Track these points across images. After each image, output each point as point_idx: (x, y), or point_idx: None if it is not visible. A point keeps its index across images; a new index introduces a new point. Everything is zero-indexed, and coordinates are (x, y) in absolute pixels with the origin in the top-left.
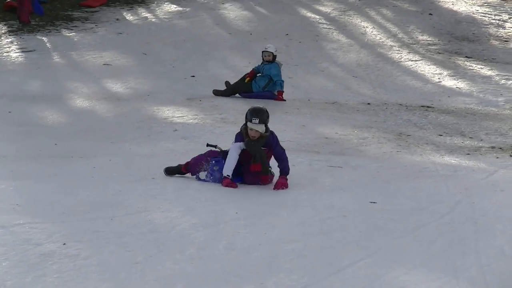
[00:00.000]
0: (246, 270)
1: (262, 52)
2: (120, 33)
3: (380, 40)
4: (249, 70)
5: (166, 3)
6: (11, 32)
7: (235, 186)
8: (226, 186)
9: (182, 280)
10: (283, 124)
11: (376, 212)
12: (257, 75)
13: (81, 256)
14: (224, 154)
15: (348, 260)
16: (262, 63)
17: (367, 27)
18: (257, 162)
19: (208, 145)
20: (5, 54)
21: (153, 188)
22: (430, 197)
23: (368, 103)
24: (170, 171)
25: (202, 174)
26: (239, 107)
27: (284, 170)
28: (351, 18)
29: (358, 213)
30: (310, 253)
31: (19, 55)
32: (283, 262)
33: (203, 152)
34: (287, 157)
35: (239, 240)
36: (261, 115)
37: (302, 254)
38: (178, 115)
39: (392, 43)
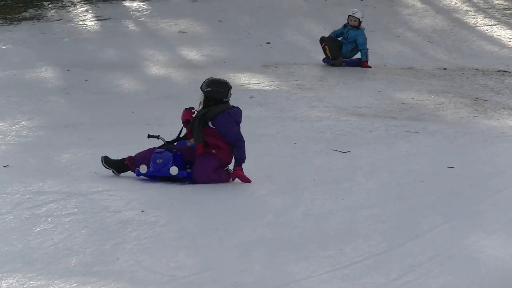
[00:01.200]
0: (325, 236)
1: (349, 16)
2: (195, 0)
3: (456, 5)
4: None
5: None
6: (86, 0)
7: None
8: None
9: (261, 246)
10: (359, 90)
11: (454, 177)
12: (338, 38)
13: (160, 223)
14: (168, 144)
15: (427, 225)
16: (346, 27)
17: None
18: (236, 167)
19: (149, 136)
20: (80, 22)
21: None
22: (508, 162)
23: (444, 68)
24: (112, 165)
25: (143, 168)
26: (315, 73)
27: (238, 158)
28: None
29: (436, 178)
30: (388, 218)
31: (95, 24)
32: (361, 228)
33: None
34: (243, 143)
35: (317, 206)
36: (205, 82)
37: (380, 219)
38: (254, 82)
39: (467, 8)
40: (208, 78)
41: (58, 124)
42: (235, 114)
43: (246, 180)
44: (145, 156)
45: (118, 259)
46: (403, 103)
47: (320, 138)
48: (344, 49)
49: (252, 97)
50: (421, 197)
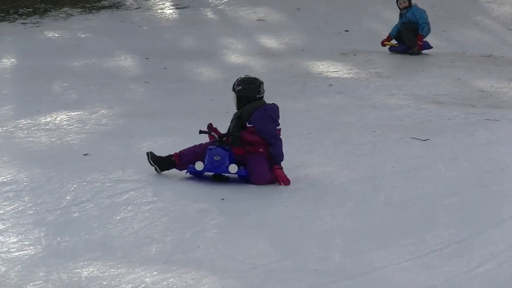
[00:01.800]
0: (405, 224)
1: (397, 1)
2: None
3: None
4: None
5: None
6: None
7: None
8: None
9: (341, 235)
10: (438, 78)
11: None
12: (401, 26)
13: (240, 212)
14: (220, 141)
15: (507, 213)
16: (401, 15)
17: None
18: (276, 166)
19: (201, 131)
20: (159, 11)
21: (309, 143)
22: None
23: None
24: (157, 161)
25: (199, 165)
26: (394, 61)
27: (275, 155)
28: None
29: None
30: (469, 206)
31: (173, 12)
32: (441, 216)
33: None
34: (278, 141)
35: (397, 194)
36: (237, 80)
37: (460, 207)
38: (333, 70)
39: None
40: (237, 78)
41: (137, 112)
42: (271, 110)
43: (285, 180)
44: (195, 153)
45: (198, 247)
46: (482, 91)
47: (399, 126)
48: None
49: (331, 85)
50: (501, 185)
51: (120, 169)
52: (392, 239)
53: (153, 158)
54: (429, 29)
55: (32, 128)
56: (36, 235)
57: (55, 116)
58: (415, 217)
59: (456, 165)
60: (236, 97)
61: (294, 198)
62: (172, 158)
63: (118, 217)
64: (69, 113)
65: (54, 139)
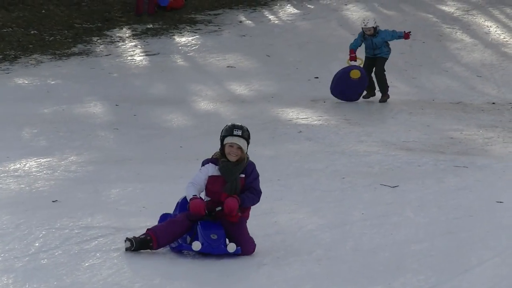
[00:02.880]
0: (374, 271)
1: (362, 28)
2: (243, 36)
3: (504, 40)
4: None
5: (288, 5)
6: (135, 36)
7: (203, 211)
8: (194, 209)
9: (310, 281)
10: (407, 125)
11: (503, 212)
12: (367, 50)
13: (208, 258)
14: (209, 215)
15: (476, 260)
16: (365, 37)
17: (491, 27)
18: (232, 195)
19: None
20: (129, 57)
21: (278, 189)
22: None
23: (493, 103)
24: (134, 244)
25: (196, 245)
26: (364, 108)
27: (245, 199)
28: (474, 17)
29: (484, 213)
30: (437, 253)
31: (143, 59)
32: (410, 262)
33: (170, 212)
34: (260, 192)
35: (366, 240)
36: (242, 127)
37: (429, 254)
38: (303, 117)
39: None
40: (236, 124)
41: (107, 159)
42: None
43: (236, 215)
44: (172, 232)
45: None
46: (452, 138)
47: (368, 172)
48: (382, 51)
49: (300, 131)
50: (470, 232)
51: (89, 216)
52: (361, 286)
53: (130, 242)
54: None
55: (1, 175)
56: (4, 282)
57: (24, 163)
58: (384, 263)
59: (425, 212)
60: (247, 144)
61: (263, 245)
62: (148, 238)
63: (86, 264)
64: (39, 160)
65: (23, 186)
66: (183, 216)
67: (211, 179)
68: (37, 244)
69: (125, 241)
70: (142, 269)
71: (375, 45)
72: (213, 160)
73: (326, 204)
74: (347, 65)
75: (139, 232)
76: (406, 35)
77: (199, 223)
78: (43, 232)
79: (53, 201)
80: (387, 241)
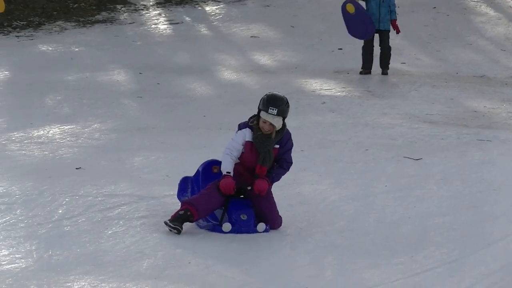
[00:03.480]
0: (396, 243)
1: None
2: (268, 6)
3: None
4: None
5: None
6: (159, 4)
7: (232, 191)
8: (225, 188)
9: (332, 253)
10: (431, 98)
11: None
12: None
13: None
14: (239, 193)
15: (499, 234)
16: None
17: None
18: (264, 165)
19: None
20: (153, 26)
21: (302, 160)
22: None
23: None
24: (177, 222)
25: (227, 227)
26: (387, 80)
27: (273, 178)
28: None
29: (508, 187)
30: (461, 226)
31: (167, 27)
32: (433, 235)
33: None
34: (290, 163)
35: (389, 213)
36: (280, 104)
37: (452, 227)
38: (326, 88)
39: None
40: (271, 95)
41: (130, 127)
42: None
43: (264, 191)
44: (210, 205)
45: (189, 263)
46: (475, 111)
47: (392, 145)
48: (382, 12)
49: (324, 103)
50: (493, 206)
51: (113, 184)
52: (383, 258)
53: (172, 222)
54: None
55: (25, 141)
56: (28, 248)
57: (48, 130)
58: (406, 236)
59: (448, 185)
60: (283, 120)
61: (286, 215)
62: (188, 213)
63: (109, 232)
64: (62, 127)
65: (46, 153)
66: (215, 190)
67: (247, 144)
68: (60, 211)
69: (170, 229)
70: (165, 238)
71: (383, 2)
72: (250, 126)
73: (349, 175)
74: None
75: (163, 201)
76: (394, 23)
77: (230, 202)
78: (67, 199)
79: (76, 168)
80: (410, 213)
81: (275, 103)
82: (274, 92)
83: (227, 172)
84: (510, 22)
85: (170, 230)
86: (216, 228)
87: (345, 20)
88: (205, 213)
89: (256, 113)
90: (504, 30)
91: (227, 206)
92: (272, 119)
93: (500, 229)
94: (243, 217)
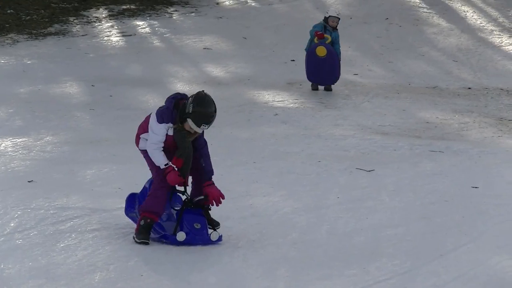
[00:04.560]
0: (349, 255)
1: (330, 16)
2: (220, 17)
3: (481, 24)
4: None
5: None
6: (111, 16)
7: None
8: (173, 182)
9: (285, 265)
10: (383, 109)
11: (478, 197)
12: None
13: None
14: (190, 203)
15: (451, 245)
16: (327, 28)
17: (467, 11)
18: (180, 157)
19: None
20: (105, 38)
21: (254, 172)
22: None
23: (469, 88)
24: (145, 236)
25: (181, 236)
26: (340, 91)
27: (209, 170)
28: (451, 2)
29: (460, 198)
30: (413, 238)
31: (120, 39)
32: (385, 247)
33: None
34: (206, 144)
35: (341, 224)
36: (212, 119)
37: (404, 239)
38: (279, 99)
39: (492, 28)
40: (206, 111)
41: (82, 139)
42: None
43: (220, 196)
44: (161, 199)
45: (141, 275)
46: (428, 122)
47: (344, 156)
48: (337, 48)
49: (276, 114)
50: (445, 217)
51: (65, 197)
52: (336, 270)
53: (138, 236)
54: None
55: None
56: None
57: (0, 142)
58: (359, 248)
59: (400, 196)
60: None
61: (238, 227)
62: (148, 220)
63: (62, 245)
64: (14, 140)
65: None
66: (161, 188)
67: (168, 138)
68: (12, 224)
69: (140, 243)
70: (117, 251)
71: (335, 39)
72: (172, 119)
73: (302, 187)
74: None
75: (116, 213)
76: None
77: (183, 214)
78: (19, 212)
79: (28, 181)
80: (363, 225)
81: (208, 120)
82: (205, 99)
83: (165, 165)
84: (462, 33)
85: (140, 243)
86: (170, 238)
87: (309, 65)
88: (162, 209)
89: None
90: (456, 41)
91: (180, 216)
92: (200, 131)
93: (452, 240)
94: (197, 225)
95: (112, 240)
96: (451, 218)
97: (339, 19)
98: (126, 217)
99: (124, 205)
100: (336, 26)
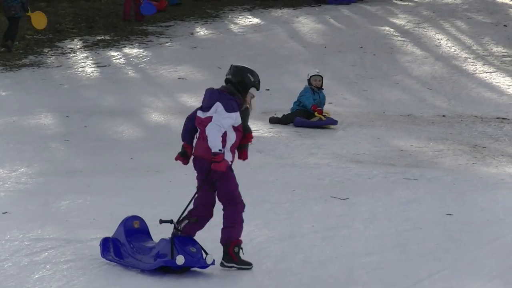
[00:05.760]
0: (324, 283)
1: (311, 77)
2: (195, 47)
3: (455, 52)
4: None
5: (240, 17)
6: (86, 47)
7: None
8: (223, 167)
9: None
10: (358, 137)
11: (453, 224)
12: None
13: (158, 272)
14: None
15: (425, 273)
16: (313, 90)
17: (441, 39)
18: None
19: (161, 221)
20: (80, 69)
21: None
22: (506, 209)
23: (443, 115)
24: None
25: (180, 259)
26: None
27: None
28: (425, 30)
29: (434, 225)
30: (387, 265)
31: (94, 70)
32: (360, 274)
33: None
34: None
35: (316, 253)
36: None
37: (379, 266)
38: (253, 129)
39: (466, 55)
40: (254, 71)
41: (57, 170)
42: None
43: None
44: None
45: None
46: (402, 150)
47: (319, 185)
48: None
49: (251, 143)
50: (420, 244)
51: (39, 228)
52: None
53: (244, 263)
54: None
55: None
56: None
57: None
58: (334, 276)
59: (375, 224)
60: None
61: (213, 256)
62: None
63: (36, 276)
64: None
65: None
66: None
67: (238, 129)
68: None
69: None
70: (92, 281)
71: (322, 100)
72: (237, 107)
73: (276, 216)
74: (317, 118)
75: (90, 244)
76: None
77: (175, 239)
78: None
79: (3, 213)
80: (337, 253)
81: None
82: (246, 67)
83: (219, 150)
84: (436, 61)
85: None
86: (169, 262)
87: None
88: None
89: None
90: (430, 69)
91: (173, 243)
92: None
93: (426, 268)
94: (193, 249)
95: (87, 271)
96: (426, 245)
97: (322, 77)
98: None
99: (100, 235)
100: (321, 86)
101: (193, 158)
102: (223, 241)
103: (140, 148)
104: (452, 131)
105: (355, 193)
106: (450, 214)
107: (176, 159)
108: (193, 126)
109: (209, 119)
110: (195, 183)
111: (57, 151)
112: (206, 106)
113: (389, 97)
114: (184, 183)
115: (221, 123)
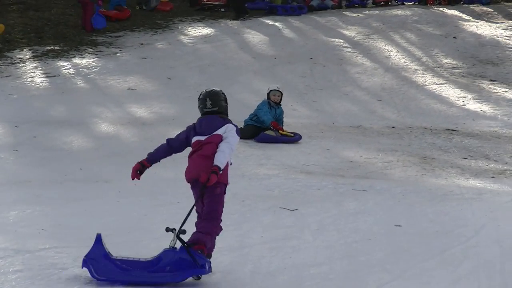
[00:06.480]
0: None
1: (271, 91)
2: (145, 58)
3: (404, 64)
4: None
5: (190, 27)
6: (35, 57)
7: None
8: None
9: None
10: (307, 148)
11: (401, 236)
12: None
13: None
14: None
15: (374, 284)
16: (270, 106)
17: (391, 51)
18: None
19: (168, 229)
20: (29, 79)
21: (178, 212)
22: (455, 221)
23: (393, 127)
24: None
25: (208, 265)
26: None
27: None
28: (375, 42)
29: (383, 237)
30: (336, 276)
31: (44, 80)
32: (308, 285)
33: None
34: None
35: (265, 264)
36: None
37: (327, 277)
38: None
39: (416, 67)
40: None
41: (6, 180)
42: None
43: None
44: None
45: None
46: (352, 161)
47: (268, 195)
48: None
49: None
50: (369, 255)
51: None
52: None
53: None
54: None
55: None
56: None
57: None
58: (282, 287)
59: (324, 235)
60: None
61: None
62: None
63: None
64: None
65: None
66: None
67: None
68: None
69: None
70: None
71: (279, 116)
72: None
73: (225, 227)
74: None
75: (39, 254)
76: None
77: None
78: None
79: None
80: (286, 264)
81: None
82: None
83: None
84: (386, 72)
85: None
86: (198, 271)
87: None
88: None
89: None
90: (380, 81)
91: (190, 252)
92: None
93: (375, 278)
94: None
95: (35, 281)
96: (374, 256)
97: (282, 93)
98: (49, 258)
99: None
100: (280, 101)
101: (192, 181)
102: (192, 241)
103: (89, 159)
104: (401, 143)
105: (304, 204)
106: (399, 226)
107: (134, 169)
108: (172, 149)
109: (218, 137)
110: (144, 193)
111: (5, 161)
112: (206, 130)
113: (338, 108)
114: (133, 193)
115: (234, 147)
